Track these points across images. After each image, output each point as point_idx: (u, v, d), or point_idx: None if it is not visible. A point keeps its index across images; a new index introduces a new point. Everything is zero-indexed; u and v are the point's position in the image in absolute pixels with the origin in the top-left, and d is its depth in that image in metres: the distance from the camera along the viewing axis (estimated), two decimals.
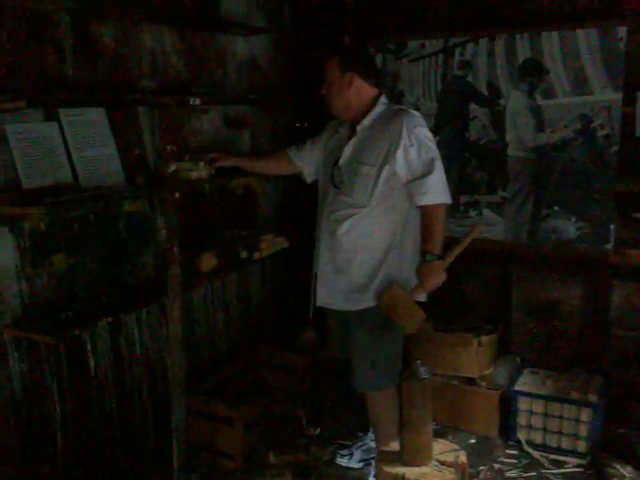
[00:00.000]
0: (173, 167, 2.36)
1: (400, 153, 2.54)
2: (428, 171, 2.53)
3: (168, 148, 2.35)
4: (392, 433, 2.62)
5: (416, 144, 2.54)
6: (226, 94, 3.46)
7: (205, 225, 3.34)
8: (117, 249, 2.85)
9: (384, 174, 2.57)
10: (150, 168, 2.97)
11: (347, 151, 2.69)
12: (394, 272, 2.66)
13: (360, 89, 2.67)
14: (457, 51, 3.53)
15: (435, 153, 2.57)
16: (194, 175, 2.93)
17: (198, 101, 2.98)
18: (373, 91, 2.70)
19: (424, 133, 2.59)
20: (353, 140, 2.69)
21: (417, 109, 3.63)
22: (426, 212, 2.57)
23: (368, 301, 2.66)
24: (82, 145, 2.62)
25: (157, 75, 3.02)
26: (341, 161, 2.70)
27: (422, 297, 2.70)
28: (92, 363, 2.73)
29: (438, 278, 2.53)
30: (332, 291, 2.75)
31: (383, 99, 2.72)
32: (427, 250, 2.54)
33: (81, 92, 2.64)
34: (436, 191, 2.54)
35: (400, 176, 2.57)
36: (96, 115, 2.71)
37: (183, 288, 2.46)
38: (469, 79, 3.53)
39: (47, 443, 2.59)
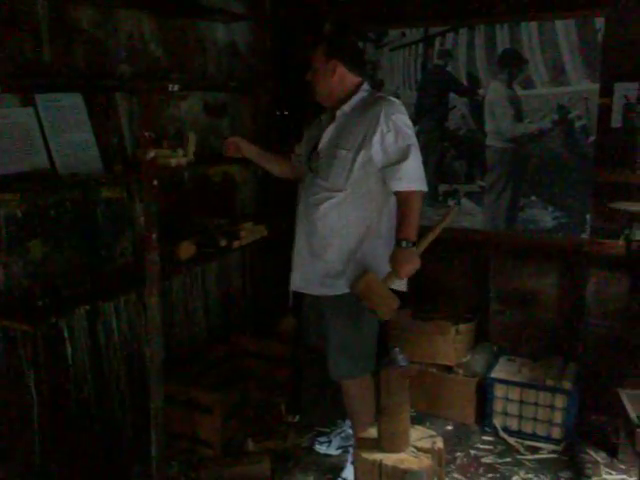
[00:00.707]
0: (152, 154, 2.33)
1: (377, 138, 2.54)
2: (403, 157, 2.52)
3: (146, 134, 2.32)
4: (368, 420, 2.64)
5: (393, 130, 2.54)
6: (205, 81, 3.44)
7: (184, 213, 3.32)
8: (95, 236, 2.82)
9: (360, 159, 2.57)
10: (128, 155, 2.95)
11: (326, 136, 2.69)
12: (370, 258, 2.65)
13: (343, 77, 2.68)
14: (437, 40, 3.54)
15: (412, 140, 2.57)
16: (173, 162, 2.91)
17: (177, 88, 2.96)
18: (356, 79, 2.71)
19: (402, 120, 2.59)
20: (332, 125, 2.69)
21: (397, 98, 3.64)
22: (401, 198, 2.57)
23: (343, 287, 2.66)
24: (59, 131, 2.59)
25: (135, 61, 2.99)
26: (320, 146, 2.70)
27: (402, 285, 2.71)
28: (69, 351, 2.71)
29: (412, 265, 2.50)
30: (308, 276, 2.75)
31: (365, 86, 2.73)
32: (401, 237, 2.52)
33: (58, 77, 2.60)
34: (411, 177, 2.53)
35: (376, 161, 2.57)
36: (73, 101, 2.68)
37: (162, 276, 2.45)
38: (449, 69, 3.54)
39: (23, 431, 2.58)
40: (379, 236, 2.68)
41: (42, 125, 2.54)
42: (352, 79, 2.69)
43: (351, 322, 2.70)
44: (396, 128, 2.55)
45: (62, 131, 2.60)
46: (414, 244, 2.52)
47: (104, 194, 2.84)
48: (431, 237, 2.57)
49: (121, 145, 2.94)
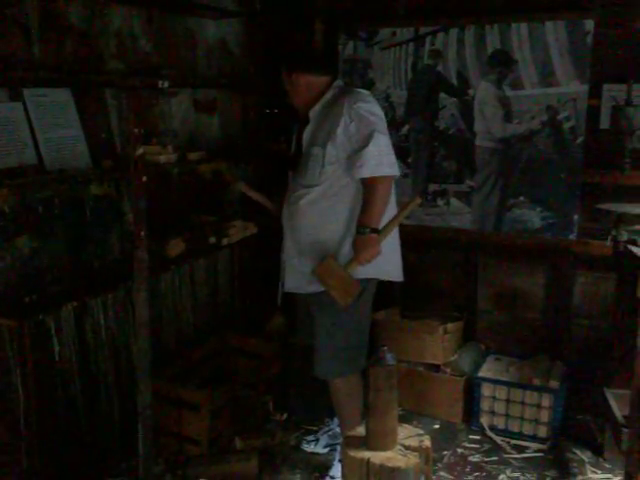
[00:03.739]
0: (140, 150, 2.32)
1: (340, 130, 2.56)
2: (365, 144, 2.51)
3: (136, 131, 2.31)
4: (356, 419, 2.64)
5: (356, 119, 2.55)
6: (195, 78, 3.43)
7: (173, 210, 3.31)
8: (83, 233, 2.81)
9: (329, 153, 2.60)
10: (117, 151, 2.94)
11: (305, 138, 2.73)
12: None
13: (308, 83, 2.72)
14: (428, 40, 3.54)
15: (376, 126, 2.55)
16: (162, 159, 2.91)
17: (167, 84, 2.95)
18: (323, 79, 2.74)
19: (365, 108, 2.58)
20: (308, 127, 2.73)
21: (387, 97, 3.66)
22: (364, 185, 2.56)
23: None
24: (47, 126, 2.57)
25: (125, 57, 2.98)
26: (303, 148, 2.74)
27: (398, 275, 2.77)
28: (56, 348, 2.70)
29: (370, 252, 2.51)
30: (297, 275, 2.76)
31: (337, 83, 2.76)
32: (361, 223, 2.52)
33: (47, 72, 2.58)
34: (373, 163, 2.51)
35: (342, 153, 2.58)
36: (62, 96, 2.67)
37: (150, 273, 2.44)
38: (439, 68, 3.54)
39: (10, 428, 2.56)
40: None
41: (30, 120, 2.52)
42: (319, 81, 2.73)
43: (337, 320, 2.70)
44: (359, 117, 2.55)
45: (50, 126, 2.58)
46: (374, 230, 2.51)
47: (92, 190, 2.82)
48: (393, 225, 2.60)
49: (110, 141, 2.92)
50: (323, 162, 2.61)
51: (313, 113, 2.71)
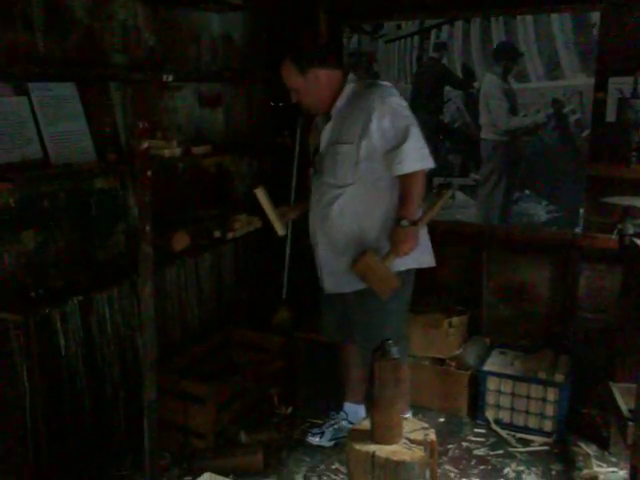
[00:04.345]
0: (145, 144, 2.32)
1: (374, 126, 2.54)
2: (403, 139, 2.52)
3: (140, 125, 2.31)
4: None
5: (389, 114, 2.54)
6: (200, 71, 3.42)
7: (178, 204, 3.31)
8: (88, 227, 2.81)
9: (363, 149, 2.58)
10: (122, 145, 2.94)
11: (325, 136, 2.70)
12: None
13: (329, 78, 2.66)
14: (433, 33, 3.53)
15: (409, 120, 2.56)
16: (167, 153, 2.91)
17: (171, 78, 2.95)
18: (339, 73, 2.70)
19: (396, 102, 2.59)
20: (330, 124, 2.69)
21: None
22: (403, 179, 2.58)
23: None
24: (52, 120, 2.58)
25: (129, 51, 2.97)
26: (321, 147, 2.71)
27: (431, 261, 2.81)
28: (62, 342, 2.70)
29: (409, 244, 2.55)
30: (337, 276, 2.75)
31: (351, 76, 2.73)
32: (401, 215, 2.56)
33: (51, 67, 2.59)
34: (412, 158, 2.52)
35: (378, 148, 2.57)
36: (67, 90, 2.67)
37: (155, 267, 2.44)
38: (444, 61, 3.53)
39: (16, 422, 2.57)
40: None
41: (35, 114, 2.52)
42: (336, 75, 2.69)
43: (385, 312, 2.71)
44: (392, 111, 2.55)
45: (55, 120, 2.59)
46: (414, 223, 2.55)
47: (97, 184, 2.83)
48: (429, 216, 2.65)
49: (115, 135, 2.92)
50: (357, 159, 2.59)
51: (335, 110, 2.66)
